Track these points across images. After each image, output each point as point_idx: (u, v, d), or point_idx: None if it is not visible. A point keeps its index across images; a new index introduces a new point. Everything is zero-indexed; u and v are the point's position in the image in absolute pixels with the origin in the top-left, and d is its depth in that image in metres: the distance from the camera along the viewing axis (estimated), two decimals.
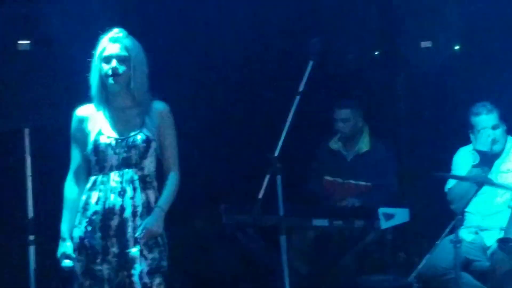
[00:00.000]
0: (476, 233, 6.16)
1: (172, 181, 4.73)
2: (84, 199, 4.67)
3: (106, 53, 4.68)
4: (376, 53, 7.06)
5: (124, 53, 4.67)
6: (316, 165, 7.03)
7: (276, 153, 5.33)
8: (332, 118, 6.87)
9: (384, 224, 6.12)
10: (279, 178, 5.30)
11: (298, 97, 5.33)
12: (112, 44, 4.68)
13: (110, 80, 4.66)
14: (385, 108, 7.42)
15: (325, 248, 6.46)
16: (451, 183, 6.25)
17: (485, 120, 6.15)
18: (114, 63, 4.64)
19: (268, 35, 7.16)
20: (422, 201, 7.42)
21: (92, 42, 4.74)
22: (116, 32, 4.72)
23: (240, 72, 7.23)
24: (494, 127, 6.15)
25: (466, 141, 6.38)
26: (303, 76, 5.29)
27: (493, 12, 7.06)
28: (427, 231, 6.63)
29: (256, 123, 7.18)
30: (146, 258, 4.61)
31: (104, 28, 4.74)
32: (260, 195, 5.32)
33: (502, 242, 5.34)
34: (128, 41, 4.71)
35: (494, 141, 6.14)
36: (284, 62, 6.97)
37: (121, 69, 4.65)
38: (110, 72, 4.65)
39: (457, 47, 6.86)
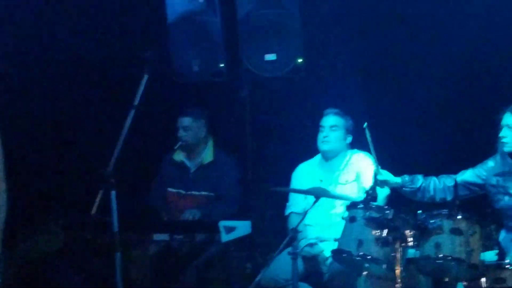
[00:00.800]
0: (316, 244, 6.26)
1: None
2: None
3: None
4: (221, 65, 7.03)
5: None
6: (159, 177, 6.96)
7: (111, 168, 5.23)
8: (175, 127, 6.83)
9: (225, 237, 6.09)
10: (113, 193, 5.20)
11: (133, 111, 5.24)
12: None
13: None
14: (230, 119, 7.42)
15: (167, 263, 6.38)
16: (287, 210, 6.45)
17: (328, 119, 6.37)
18: None
19: (105, 45, 7.06)
20: (268, 213, 7.51)
21: None
22: None
23: (74, 88, 7.11)
24: (331, 128, 6.34)
25: (312, 153, 6.51)
26: (138, 90, 5.21)
27: (334, 26, 7.23)
28: (273, 243, 6.68)
29: (91, 138, 7.06)
30: None
31: None
32: (93, 211, 5.20)
33: (335, 253, 5.41)
34: None
35: (324, 138, 6.35)
36: (121, 75, 6.88)
37: None
38: None
39: (300, 60, 6.92)
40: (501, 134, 5.79)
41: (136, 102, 5.19)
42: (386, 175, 5.75)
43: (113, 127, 5.37)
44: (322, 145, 6.40)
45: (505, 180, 5.81)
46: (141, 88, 5.18)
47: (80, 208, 5.73)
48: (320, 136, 6.40)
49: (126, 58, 6.74)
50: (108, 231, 5.41)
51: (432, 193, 5.84)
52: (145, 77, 5.14)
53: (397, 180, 5.80)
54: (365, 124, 5.59)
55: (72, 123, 7.19)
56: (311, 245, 6.14)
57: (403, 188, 5.84)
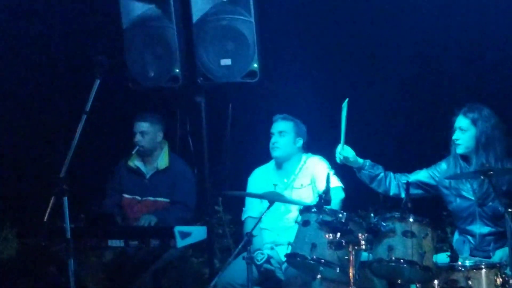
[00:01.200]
0: (272, 248, 6.28)
1: None
2: None
3: None
4: (177, 70, 7.01)
5: None
6: (114, 183, 6.93)
7: (62, 174, 5.18)
8: (132, 132, 6.80)
9: (180, 243, 6.11)
10: (65, 199, 5.16)
11: (84, 116, 5.20)
12: None
13: None
14: (186, 124, 7.41)
15: (122, 269, 6.36)
16: (244, 215, 6.47)
17: (276, 125, 6.43)
18: None
19: (58, 50, 7.01)
20: (226, 218, 7.51)
21: None
22: None
23: (26, 92, 7.05)
24: (280, 133, 6.39)
25: (262, 158, 6.53)
26: (90, 95, 5.17)
27: (290, 31, 7.26)
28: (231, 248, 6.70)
29: (43, 144, 7.01)
30: None
31: None
32: (46, 218, 5.15)
33: (289, 257, 5.42)
34: None
35: (273, 145, 6.40)
36: (74, 80, 6.84)
37: None
38: None
39: (255, 65, 6.93)
40: (454, 137, 5.87)
41: (87, 107, 5.15)
42: (348, 151, 5.81)
43: (66, 132, 5.32)
44: (273, 152, 6.45)
45: (457, 182, 5.88)
46: (93, 93, 5.14)
47: (34, 215, 5.67)
48: (270, 143, 6.46)
49: (79, 63, 6.70)
50: (61, 238, 5.36)
51: (387, 186, 5.95)
52: (97, 82, 5.11)
53: (359, 160, 5.88)
54: (346, 101, 5.63)
55: (24, 128, 7.13)
56: (268, 260, 6.13)
57: (362, 171, 5.91)
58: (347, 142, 5.77)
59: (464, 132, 5.83)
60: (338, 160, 5.81)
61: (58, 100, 7.06)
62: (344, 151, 5.77)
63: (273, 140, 6.42)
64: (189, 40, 6.97)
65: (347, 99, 5.66)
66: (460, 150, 5.85)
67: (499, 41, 6.93)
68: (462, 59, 7.06)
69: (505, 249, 5.43)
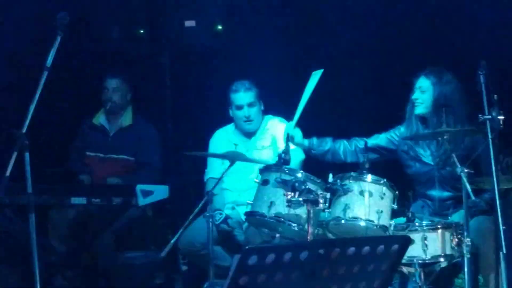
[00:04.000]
0: (233, 208, 6.34)
1: None
2: None
3: None
4: (141, 31, 7.04)
5: None
6: (78, 141, 6.95)
7: (24, 130, 5.18)
8: (102, 88, 6.80)
9: (142, 201, 6.11)
10: (27, 155, 5.15)
11: (46, 72, 5.18)
12: None
13: None
14: (150, 85, 7.43)
15: (85, 226, 6.39)
16: (206, 176, 6.48)
17: (242, 97, 6.33)
18: None
19: (19, 5, 6.95)
20: (189, 179, 7.54)
21: None
22: None
23: None
24: (250, 105, 6.34)
25: (225, 120, 6.55)
26: (51, 51, 5.15)
27: None
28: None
29: (4, 99, 6.98)
30: None
31: None
32: (8, 173, 5.16)
33: (248, 215, 5.47)
34: None
35: (247, 119, 6.33)
36: (33, 36, 6.81)
37: None
38: None
39: (219, 27, 6.97)
40: (413, 97, 5.91)
41: (49, 63, 5.13)
42: (297, 133, 5.81)
43: (28, 88, 5.30)
44: (247, 125, 6.37)
45: (416, 147, 5.93)
46: (54, 49, 5.12)
47: None
48: (241, 116, 6.35)
49: (40, 20, 6.66)
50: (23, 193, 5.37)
51: (342, 156, 5.98)
52: (58, 38, 5.08)
53: (304, 142, 5.90)
54: (320, 72, 5.57)
55: None
56: (225, 220, 6.17)
57: (312, 151, 5.95)
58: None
59: (424, 92, 5.87)
60: (283, 139, 5.73)
61: (21, 56, 7.01)
62: (294, 131, 5.76)
63: (245, 113, 6.33)
64: (154, 1, 6.99)
65: (321, 70, 5.55)
66: (418, 110, 5.88)
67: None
68: (425, 20, 7.09)
69: (461, 212, 5.50)
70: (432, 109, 5.86)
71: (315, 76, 5.59)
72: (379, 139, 6.04)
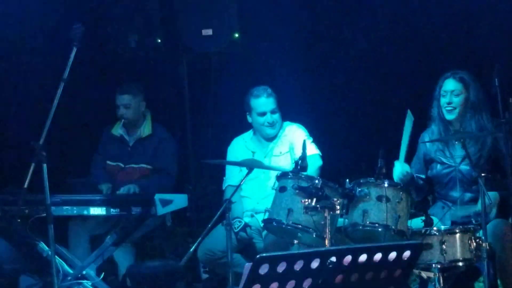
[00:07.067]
0: (252, 216, 6.34)
1: None
2: None
3: None
4: (158, 40, 7.07)
5: None
6: (99, 152, 6.98)
7: (41, 141, 5.24)
8: (115, 104, 6.85)
9: (161, 210, 6.14)
10: (44, 166, 5.21)
11: (62, 84, 5.25)
12: None
13: None
14: (169, 94, 7.46)
15: (104, 237, 6.41)
16: (224, 184, 6.48)
17: (265, 103, 6.33)
18: None
19: (37, 17, 7.01)
20: (209, 188, 7.56)
21: None
22: None
23: (4, 59, 7.08)
24: (273, 111, 6.35)
25: (243, 127, 6.56)
26: (67, 63, 5.21)
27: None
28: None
29: (22, 111, 7.06)
30: None
31: None
32: (25, 185, 5.22)
33: (266, 222, 5.47)
34: None
35: (271, 124, 6.34)
36: (49, 48, 6.87)
37: None
38: None
39: (236, 35, 6.99)
40: (446, 101, 5.78)
41: (65, 75, 5.19)
42: (406, 167, 5.74)
43: (45, 100, 5.37)
44: (270, 130, 6.36)
45: (439, 150, 5.91)
46: (70, 61, 5.18)
47: (14, 183, 5.73)
48: (263, 122, 6.35)
49: (57, 31, 6.73)
50: (41, 205, 5.42)
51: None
52: (73, 49, 5.14)
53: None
54: (409, 113, 5.51)
55: (2, 96, 7.16)
56: (244, 228, 6.16)
57: (415, 185, 5.87)
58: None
59: (458, 96, 5.78)
60: (396, 179, 5.66)
61: (37, 68, 7.08)
62: (404, 165, 5.70)
63: (269, 119, 6.32)
64: (171, 9, 7.02)
65: (409, 111, 5.50)
66: (452, 115, 5.81)
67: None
68: (439, 28, 7.08)
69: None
70: (462, 112, 5.81)
71: (409, 119, 5.53)
72: (420, 163, 6.00)
